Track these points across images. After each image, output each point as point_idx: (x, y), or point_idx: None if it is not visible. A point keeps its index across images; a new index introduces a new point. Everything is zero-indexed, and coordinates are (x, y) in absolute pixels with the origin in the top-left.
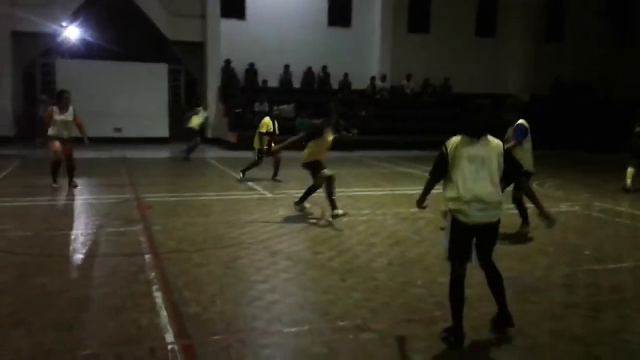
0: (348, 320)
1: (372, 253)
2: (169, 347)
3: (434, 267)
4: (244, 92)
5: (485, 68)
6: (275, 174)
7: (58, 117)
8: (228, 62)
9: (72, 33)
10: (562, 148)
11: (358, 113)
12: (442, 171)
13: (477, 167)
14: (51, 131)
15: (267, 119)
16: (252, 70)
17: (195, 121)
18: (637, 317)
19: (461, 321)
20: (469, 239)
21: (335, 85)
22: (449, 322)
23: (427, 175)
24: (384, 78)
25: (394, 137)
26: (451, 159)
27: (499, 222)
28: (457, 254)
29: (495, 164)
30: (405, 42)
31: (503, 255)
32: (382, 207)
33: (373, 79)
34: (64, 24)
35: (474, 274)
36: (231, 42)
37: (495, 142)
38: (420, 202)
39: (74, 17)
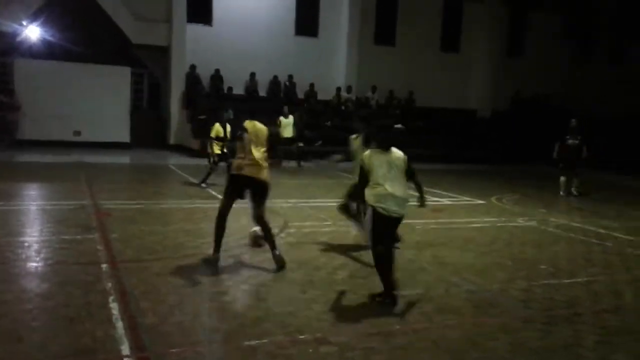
0: (308, 333)
1: (334, 265)
2: (124, 359)
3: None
4: (209, 99)
5: (448, 82)
6: (204, 180)
7: None
8: (193, 67)
9: (33, 32)
10: (522, 162)
11: (323, 123)
12: (365, 179)
13: (386, 170)
14: None
15: (217, 125)
16: (217, 77)
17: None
18: (589, 332)
19: (390, 282)
20: (387, 227)
21: (300, 95)
22: (408, 335)
23: None
24: (349, 89)
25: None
26: (368, 167)
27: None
28: (377, 238)
29: (400, 168)
30: (371, 53)
31: (462, 268)
32: (343, 218)
33: (338, 89)
34: (24, 22)
35: (435, 287)
36: (196, 48)
37: (397, 152)
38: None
39: (35, 16)
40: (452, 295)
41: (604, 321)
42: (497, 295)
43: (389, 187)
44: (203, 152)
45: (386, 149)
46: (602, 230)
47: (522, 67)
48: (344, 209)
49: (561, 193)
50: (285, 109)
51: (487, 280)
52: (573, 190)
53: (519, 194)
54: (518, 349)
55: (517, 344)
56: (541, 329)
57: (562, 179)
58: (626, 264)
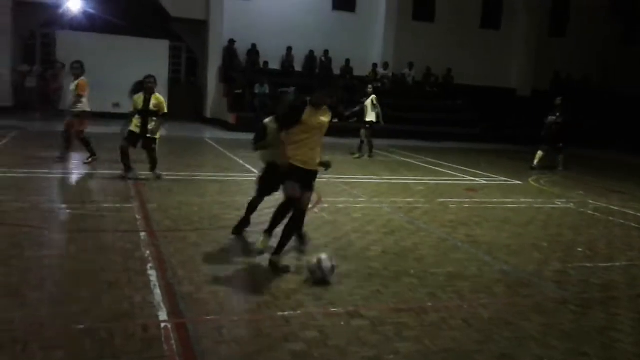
0: (340, 306)
1: (367, 241)
2: (162, 324)
3: (427, 257)
4: (245, 73)
5: (487, 60)
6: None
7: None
8: (232, 41)
9: (74, 4)
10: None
11: (359, 100)
12: None
13: None
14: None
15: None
16: (253, 51)
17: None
18: (625, 316)
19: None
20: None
21: (336, 70)
22: (440, 313)
23: (425, 165)
24: (386, 65)
25: (394, 126)
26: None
27: None
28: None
29: None
30: (409, 29)
31: (496, 248)
32: (378, 195)
33: (375, 65)
34: None
35: (469, 266)
36: (233, 22)
37: None
38: None
39: None
40: (485, 275)
41: None
42: (531, 276)
43: None
44: (238, 126)
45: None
46: None
47: (564, 47)
48: None
49: (533, 165)
50: (369, 88)
51: (522, 261)
52: (559, 166)
53: (558, 175)
54: (550, 331)
55: (549, 325)
56: (575, 312)
57: (540, 153)
58: None
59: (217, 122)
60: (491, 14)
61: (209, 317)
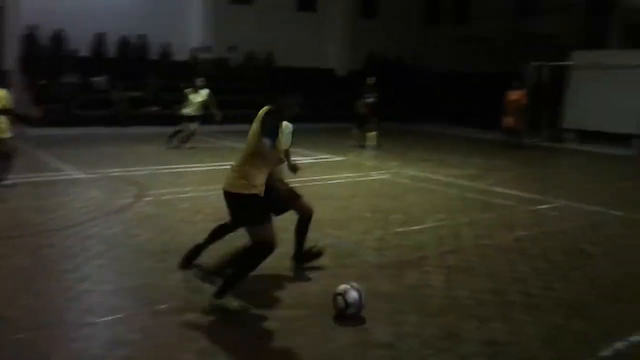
0: (167, 303)
1: (194, 231)
2: None
3: None
4: (50, 62)
5: (306, 42)
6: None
7: None
8: (31, 28)
9: None
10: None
11: (179, 85)
12: None
13: None
14: None
15: (2, 92)
16: (58, 37)
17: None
18: (435, 272)
19: None
20: None
21: (154, 56)
22: (269, 293)
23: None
24: (207, 49)
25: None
26: None
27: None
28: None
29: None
30: (227, 12)
31: (323, 223)
32: (205, 183)
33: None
34: None
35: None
36: (33, 5)
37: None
38: None
39: None
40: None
41: (447, 261)
42: (354, 246)
43: None
44: (45, 120)
45: None
46: (446, 179)
47: (376, 27)
48: None
49: (360, 145)
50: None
51: (347, 233)
52: (373, 143)
53: (376, 150)
54: (372, 295)
55: (371, 290)
56: (392, 274)
57: (356, 131)
58: (465, 208)
59: (20, 118)
60: None
61: (19, 336)
